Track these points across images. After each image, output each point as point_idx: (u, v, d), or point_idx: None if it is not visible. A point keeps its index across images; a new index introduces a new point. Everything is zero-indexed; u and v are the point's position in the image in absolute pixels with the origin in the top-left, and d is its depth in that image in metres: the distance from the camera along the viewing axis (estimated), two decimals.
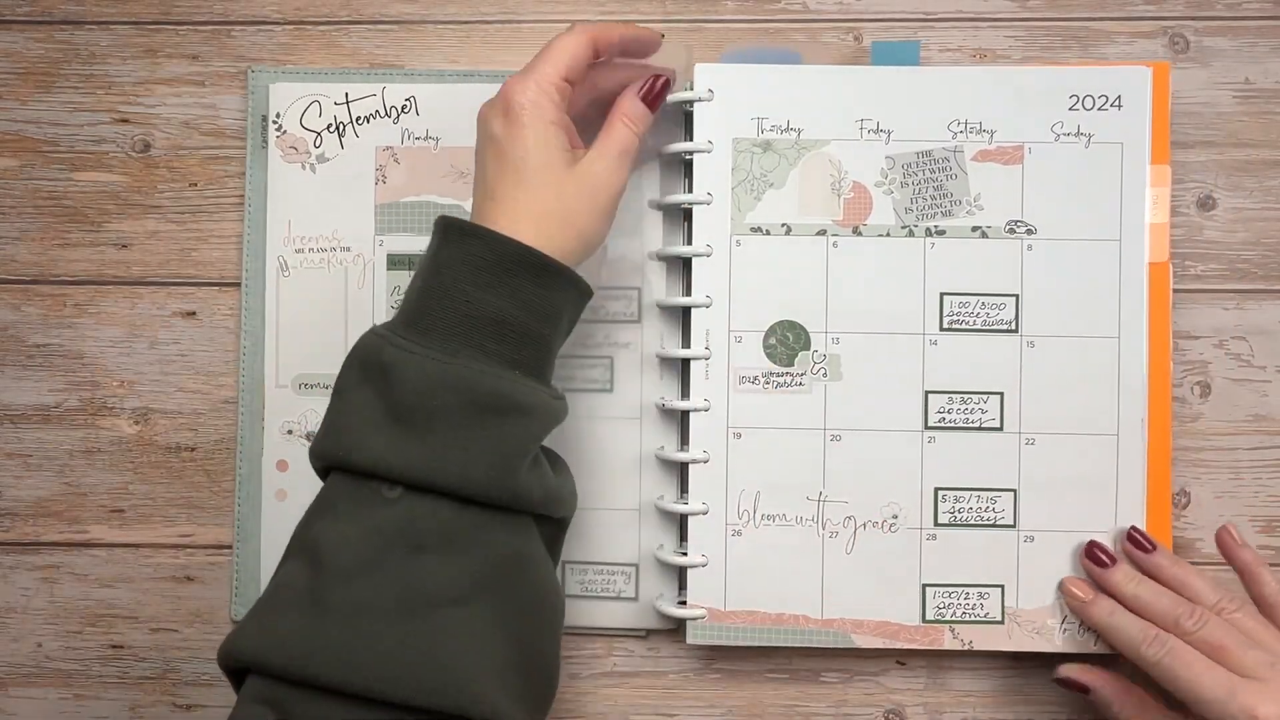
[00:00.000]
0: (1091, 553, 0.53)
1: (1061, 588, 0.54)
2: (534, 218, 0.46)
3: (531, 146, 0.46)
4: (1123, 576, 0.52)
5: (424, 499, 0.42)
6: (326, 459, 0.44)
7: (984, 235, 0.55)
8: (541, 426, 0.45)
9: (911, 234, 0.55)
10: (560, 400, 0.47)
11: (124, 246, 0.59)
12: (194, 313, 0.59)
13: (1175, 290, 0.56)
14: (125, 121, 0.59)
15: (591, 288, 0.48)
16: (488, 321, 0.44)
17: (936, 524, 0.54)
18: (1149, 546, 0.53)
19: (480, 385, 0.43)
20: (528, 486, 0.44)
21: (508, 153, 0.46)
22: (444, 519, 0.43)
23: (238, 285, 0.58)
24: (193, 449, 0.58)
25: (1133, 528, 0.53)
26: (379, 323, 0.47)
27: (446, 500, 0.43)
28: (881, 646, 0.54)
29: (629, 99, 0.50)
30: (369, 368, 0.44)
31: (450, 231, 0.46)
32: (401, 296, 0.57)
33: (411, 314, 0.45)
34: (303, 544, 0.44)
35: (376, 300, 0.57)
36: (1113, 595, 0.52)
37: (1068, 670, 0.53)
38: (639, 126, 0.50)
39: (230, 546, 0.58)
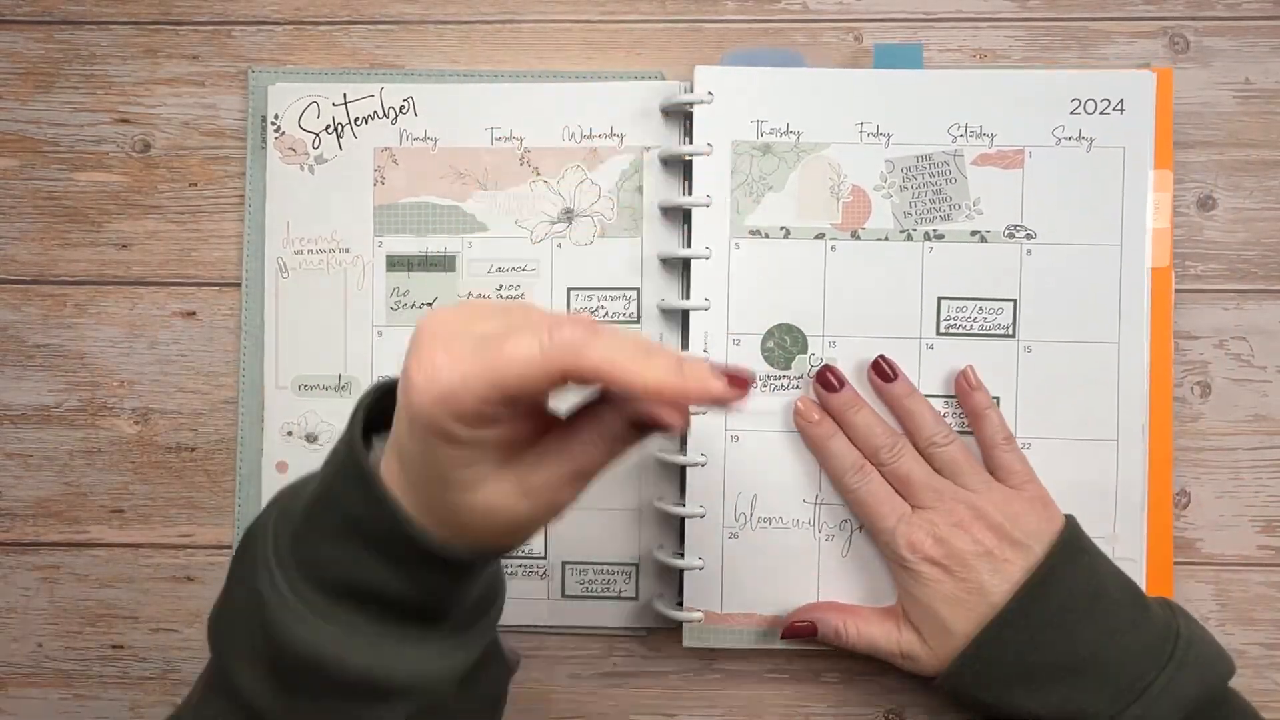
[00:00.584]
0: (822, 375, 0.53)
1: (794, 406, 0.54)
2: (430, 520, 0.35)
3: (416, 458, 0.34)
4: (843, 402, 0.53)
5: None
6: (210, 643, 0.39)
7: (983, 240, 0.54)
8: (425, 696, 0.37)
9: (910, 238, 0.54)
10: (463, 649, 0.38)
11: (124, 246, 0.59)
12: (194, 313, 0.59)
13: (1175, 290, 0.56)
14: (125, 121, 0.59)
15: (498, 571, 0.40)
16: (372, 589, 0.36)
17: None
18: (890, 375, 0.53)
19: (348, 669, 0.35)
20: None
21: (399, 440, 0.35)
22: None
23: (238, 285, 0.58)
24: (193, 449, 0.58)
25: (880, 356, 0.53)
26: (285, 486, 0.39)
27: None
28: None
29: (611, 417, 0.35)
30: (249, 581, 0.37)
31: (354, 472, 0.35)
32: (401, 296, 0.57)
33: (299, 539, 0.36)
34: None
35: (375, 301, 0.57)
36: (835, 418, 0.53)
37: (789, 621, 0.53)
38: (613, 450, 0.36)
39: (230, 546, 0.58)
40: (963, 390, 0.54)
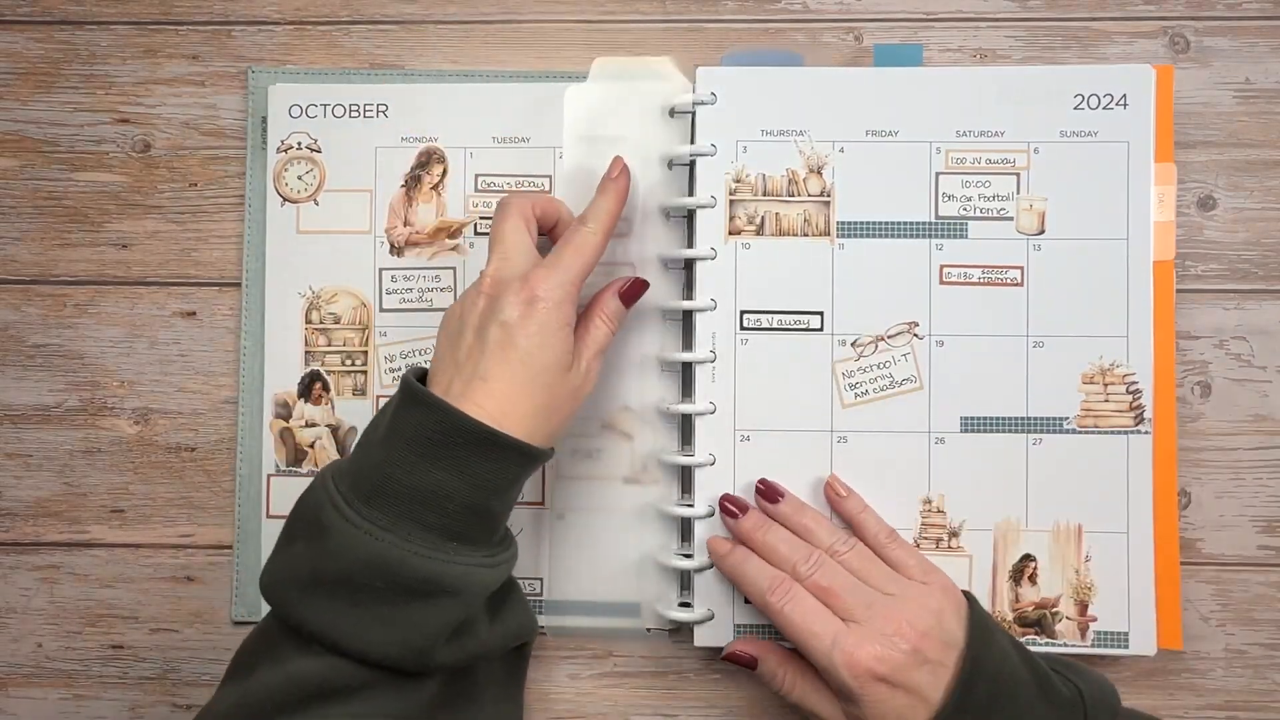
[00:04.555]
0: (724, 505, 0.53)
1: (707, 546, 0.54)
2: (525, 412, 0.46)
3: (545, 345, 0.47)
4: (751, 525, 0.53)
5: (345, 660, 0.44)
6: (266, 599, 0.46)
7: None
8: (470, 602, 0.45)
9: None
10: (503, 563, 0.47)
11: (124, 246, 0.59)
12: (194, 313, 0.59)
13: (1176, 290, 0.56)
14: (125, 121, 0.59)
15: (550, 451, 0.48)
16: (430, 494, 0.45)
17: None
18: (776, 497, 0.53)
19: (406, 569, 0.44)
20: (442, 659, 0.45)
21: (517, 343, 0.47)
22: (364, 677, 0.44)
23: (238, 285, 0.58)
24: (193, 449, 0.58)
25: (761, 480, 0.54)
26: (335, 459, 0.48)
27: (366, 665, 0.44)
28: None
29: (610, 298, 0.51)
30: (311, 522, 0.45)
31: (408, 397, 0.46)
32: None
33: (359, 476, 0.45)
34: (236, 670, 0.46)
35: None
36: (745, 543, 0.53)
37: (735, 646, 0.53)
38: (616, 325, 0.51)
39: (230, 546, 0.58)
40: (834, 500, 0.54)
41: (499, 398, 0.46)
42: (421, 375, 0.49)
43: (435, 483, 0.45)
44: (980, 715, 0.47)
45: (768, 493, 0.53)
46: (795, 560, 0.50)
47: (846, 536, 0.52)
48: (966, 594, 0.51)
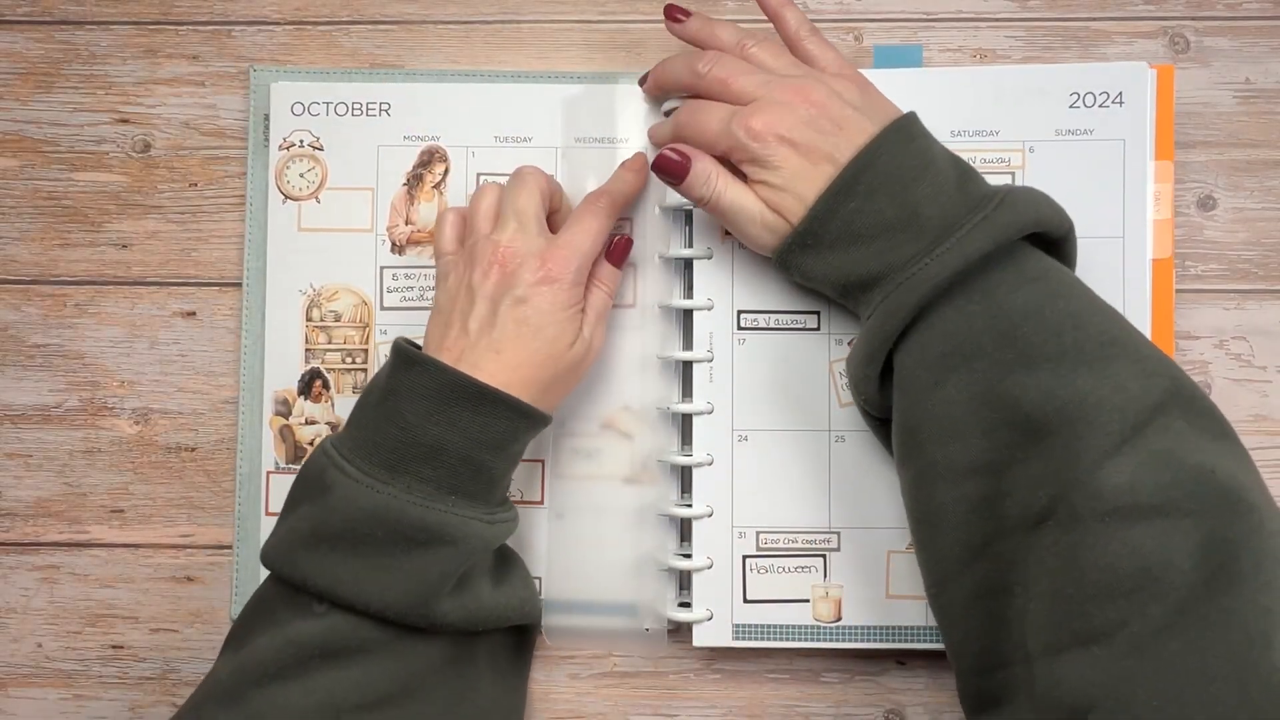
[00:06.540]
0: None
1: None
2: (527, 381, 0.48)
3: (556, 322, 0.49)
4: (666, 63, 0.53)
5: (347, 616, 0.45)
6: (267, 565, 0.47)
7: None
8: (468, 553, 0.47)
9: None
10: (502, 522, 0.49)
11: (124, 246, 0.59)
12: (194, 313, 0.59)
13: (1176, 290, 0.56)
14: (125, 121, 0.59)
15: (547, 416, 0.49)
16: (425, 449, 0.46)
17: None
18: (681, 17, 0.53)
19: (405, 518, 0.45)
20: (444, 613, 0.46)
21: (530, 320, 0.48)
22: (364, 636, 0.46)
23: (238, 285, 0.58)
24: (193, 449, 0.58)
25: (668, 5, 0.53)
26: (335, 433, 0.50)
27: (369, 619, 0.45)
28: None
29: (602, 265, 0.53)
30: (313, 484, 0.47)
31: (400, 358, 0.48)
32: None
33: (358, 435, 0.47)
34: (232, 639, 0.47)
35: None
36: (663, 85, 0.53)
37: (663, 150, 0.50)
38: (613, 286, 0.53)
39: (230, 546, 0.58)
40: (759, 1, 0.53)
41: (509, 370, 0.48)
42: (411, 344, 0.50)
43: (432, 438, 0.46)
44: (877, 189, 0.46)
45: (674, 14, 0.53)
46: (693, 64, 0.51)
47: (758, 34, 0.52)
48: (911, 112, 0.49)
